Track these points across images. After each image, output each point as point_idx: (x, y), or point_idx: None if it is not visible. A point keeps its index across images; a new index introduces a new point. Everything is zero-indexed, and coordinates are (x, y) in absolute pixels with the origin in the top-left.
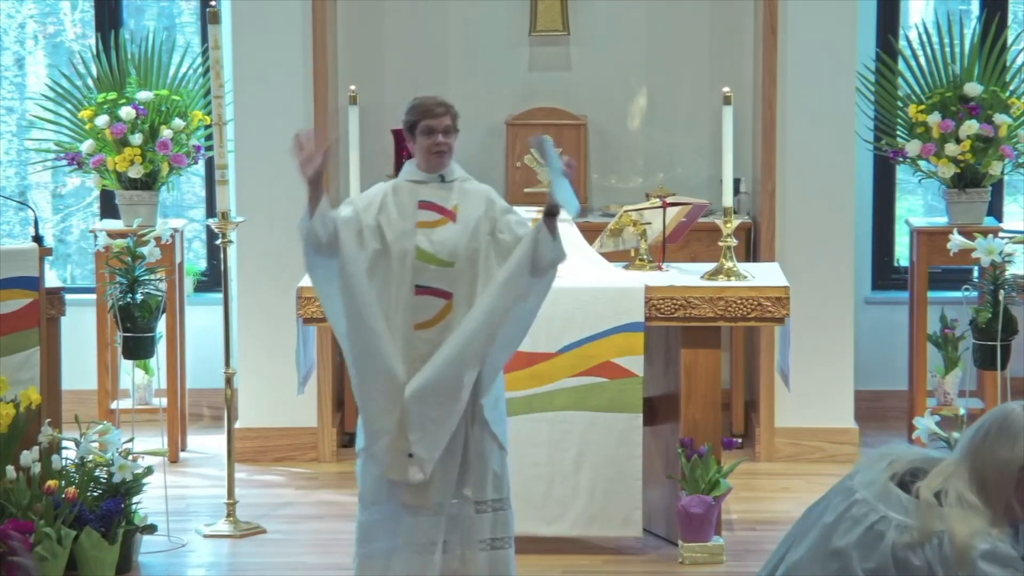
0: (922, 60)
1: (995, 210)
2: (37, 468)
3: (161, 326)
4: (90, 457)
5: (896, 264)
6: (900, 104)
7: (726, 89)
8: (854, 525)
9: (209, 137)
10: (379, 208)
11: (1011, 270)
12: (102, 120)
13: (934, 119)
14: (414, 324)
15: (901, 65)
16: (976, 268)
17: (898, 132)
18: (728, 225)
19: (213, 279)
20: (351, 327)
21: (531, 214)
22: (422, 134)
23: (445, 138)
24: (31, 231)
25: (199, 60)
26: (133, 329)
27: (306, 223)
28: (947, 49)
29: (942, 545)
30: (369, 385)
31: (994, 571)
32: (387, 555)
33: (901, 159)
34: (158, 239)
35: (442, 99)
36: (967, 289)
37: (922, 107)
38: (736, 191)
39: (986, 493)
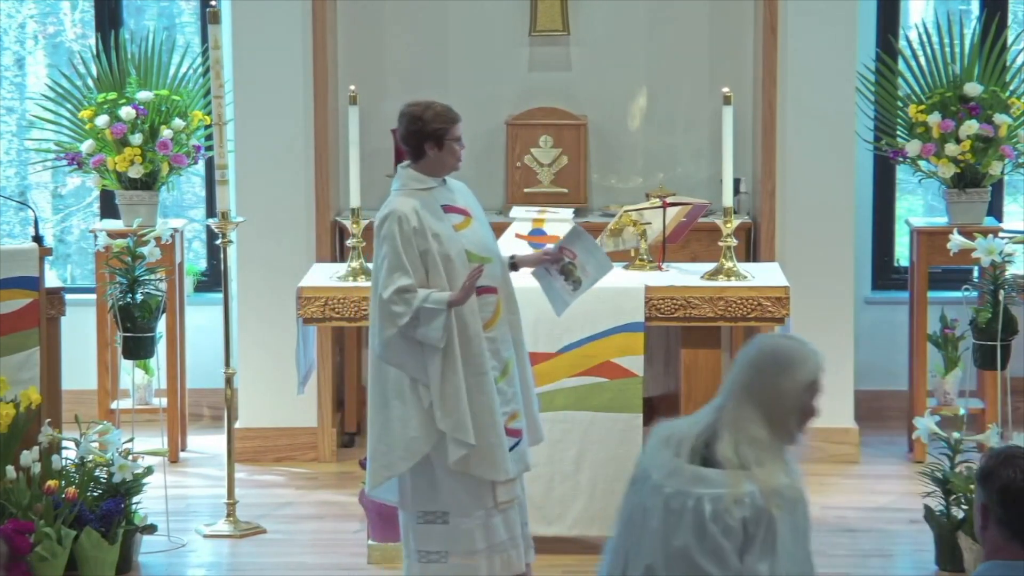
0: (922, 60)
1: (995, 210)
2: (37, 468)
3: (161, 326)
4: (90, 457)
5: (896, 264)
6: (900, 104)
7: (726, 89)
8: (679, 519)
9: (209, 137)
10: (420, 224)
11: (1011, 270)
12: (102, 120)
13: (934, 119)
14: (483, 324)
15: (901, 65)
16: (976, 268)
17: (898, 132)
18: (728, 225)
19: (213, 279)
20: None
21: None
22: (454, 141)
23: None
24: (31, 231)
25: (199, 60)
26: (133, 329)
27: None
28: (947, 49)
29: (753, 500)
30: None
31: (786, 517)
32: (488, 555)
33: (901, 159)
34: (158, 239)
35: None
36: (967, 289)
37: (922, 107)
38: (736, 191)
39: (773, 426)
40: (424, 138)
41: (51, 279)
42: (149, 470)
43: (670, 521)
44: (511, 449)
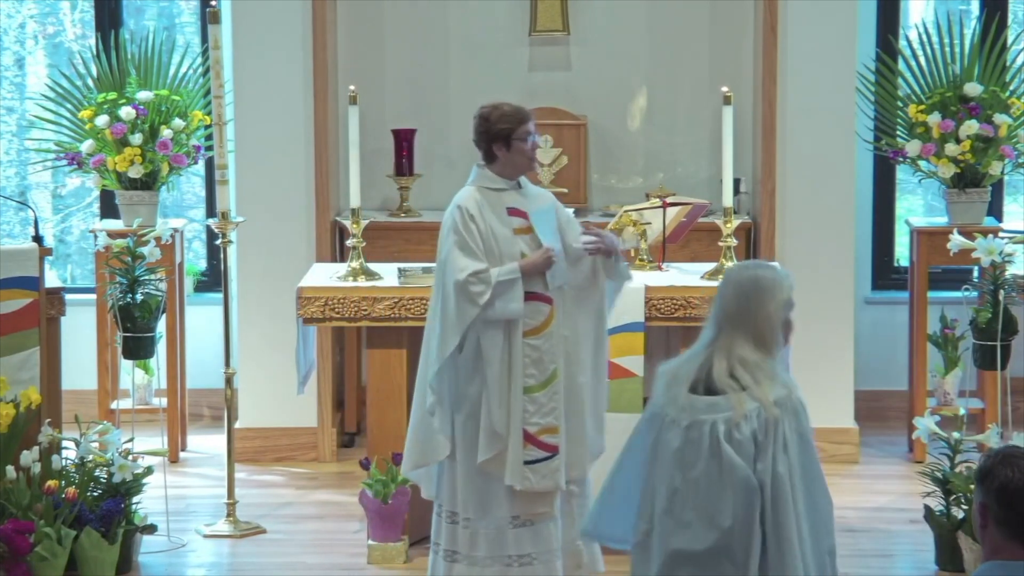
0: (922, 60)
1: (995, 210)
2: (37, 468)
3: (161, 326)
4: (90, 457)
5: (896, 264)
6: (900, 104)
7: (726, 89)
8: (697, 446)
9: (209, 137)
10: (481, 219)
11: (1011, 270)
12: (102, 120)
13: (934, 119)
14: (525, 331)
15: (901, 65)
16: (976, 268)
17: (898, 132)
18: (728, 225)
19: (213, 279)
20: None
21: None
22: (522, 140)
23: (536, 142)
24: (31, 231)
25: (199, 60)
26: (133, 329)
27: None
28: (947, 49)
29: (758, 414)
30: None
31: (790, 422)
32: (506, 565)
33: (901, 159)
34: (158, 239)
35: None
36: (967, 289)
37: (922, 107)
38: (736, 191)
39: (764, 345)
40: (492, 139)
41: (51, 279)
42: (149, 470)
43: (689, 449)
44: (538, 462)
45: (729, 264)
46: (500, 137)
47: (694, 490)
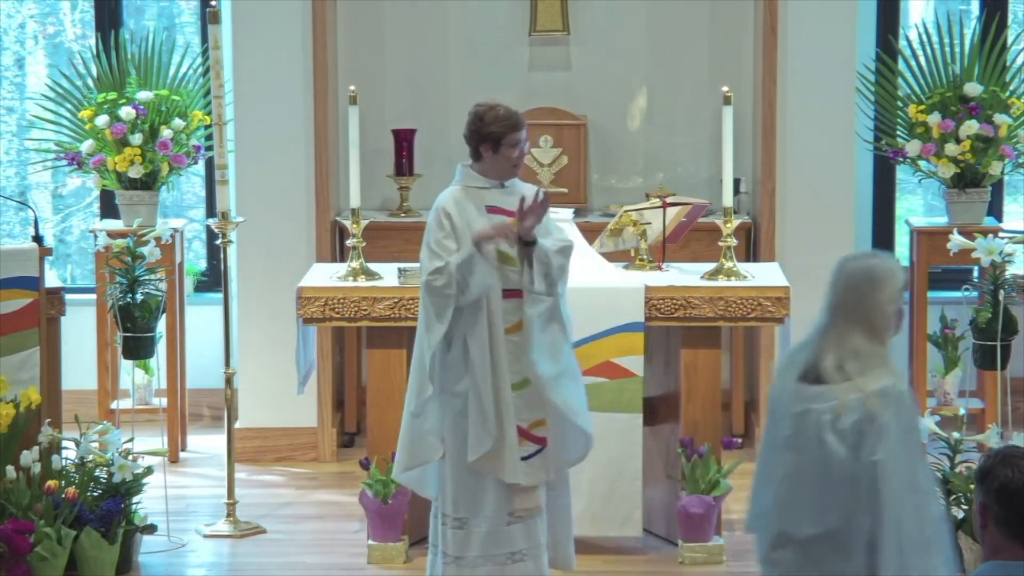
0: (922, 60)
1: (995, 210)
2: (37, 468)
3: (161, 326)
4: (90, 457)
5: None
6: (900, 104)
7: (726, 89)
8: (805, 435)
9: (209, 137)
10: (459, 217)
11: (1011, 270)
12: (102, 120)
13: (934, 119)
14: (505, 328)
15: (901, 65)
16: (976, 268)
17: (898, 132)
18: (728, 225)
19: (213, 279)
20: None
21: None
22: (509, 146)
23: (525, 150)
24: (31, 231)
25: (199, 60)
26: (133, 329)
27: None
28: (947, 49)
29: (861, 403)
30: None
31: (891, 412)
32: (499, 563)
33: (901, 159)
34: (158, 239)
35: (516, 111)
36: (967, 289)
37: (922, 107)
38: (736, 191)
39: (877, 335)
40: (481, 140)
41: (51, 279)
42: (149, 470)
43: (798, 437)
44: (531, 456)
45: (730, 265)
46: (490, 139)
47: (802, 477)
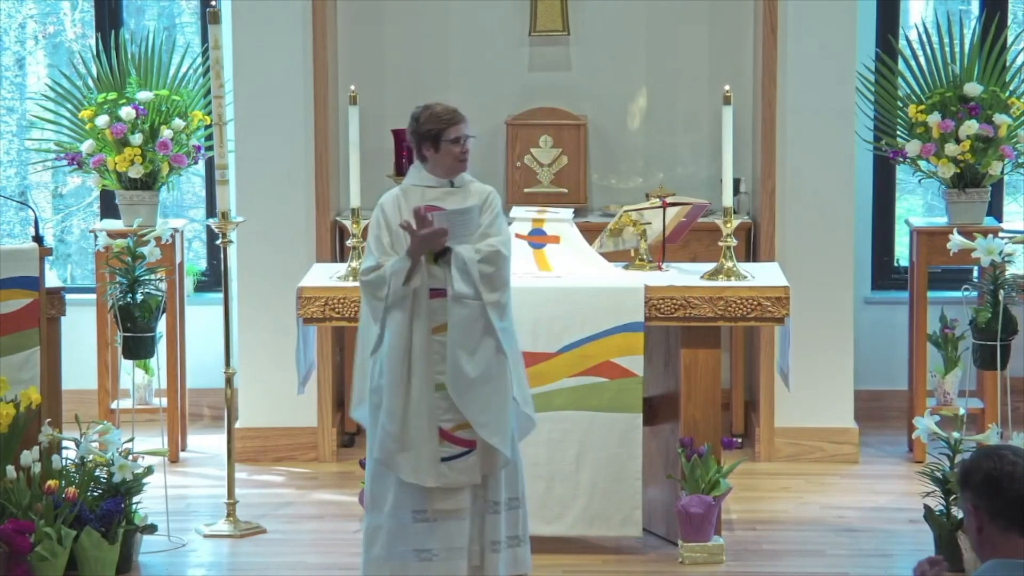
0: (922, 60)
1: (995, 210)
2: (37, 468)
3: (161, 326)
4: (90, 457)
5: (896, 264)
6: (900, 104)
7: (726, 89)
8: None
9: (209, 137)
10: (395, 215)
11: (1011, 270)
12: (102, 120)
13: (934, 119)
14: (432, 328)
15: (901, 65)
16: (976, 268)
17: (898, 132)
18: (728, 225)
19: (213, 279)
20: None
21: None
22: (450, 142)
23: (466, 145)
24: (31, 231)
25: (199, 60)
26: (133, 329)
27: (399, 288)
28: (947, 49)
29: None
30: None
31: None
32: (403, 560)
33: (901, 159)
34: (158, 239)
35: (453, 107)
36: (967, 289)
37: (922, 107)
38: (736, 191)
39: None
40: (420, 140)
41: (51, 279)
42: (149, 470)
43: None
44: (454, 459)
45: (730, 265)
46: (428, 138)
47: None
